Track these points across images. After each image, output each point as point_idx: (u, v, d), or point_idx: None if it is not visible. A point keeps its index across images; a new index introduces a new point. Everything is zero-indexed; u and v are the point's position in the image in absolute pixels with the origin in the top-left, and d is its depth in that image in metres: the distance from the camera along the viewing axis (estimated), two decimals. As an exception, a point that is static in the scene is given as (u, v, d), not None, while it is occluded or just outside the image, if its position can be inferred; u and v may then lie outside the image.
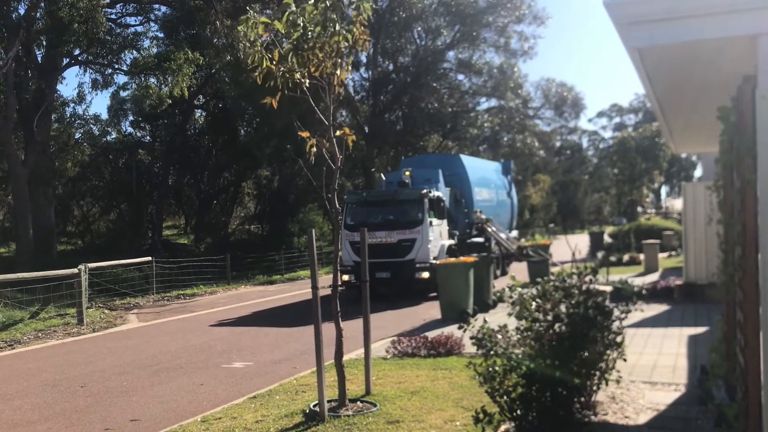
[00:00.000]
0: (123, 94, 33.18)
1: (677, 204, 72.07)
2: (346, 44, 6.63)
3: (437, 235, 19.07)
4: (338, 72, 6.76)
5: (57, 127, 30.01)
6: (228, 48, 24.96)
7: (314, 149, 6.78)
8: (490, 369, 5.77)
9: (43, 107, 23.54)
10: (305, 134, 6.73)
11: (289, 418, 6.86)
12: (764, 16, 4.05)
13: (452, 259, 15.53)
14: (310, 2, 6.48)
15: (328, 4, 6.47)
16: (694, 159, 68.66)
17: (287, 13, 6.42)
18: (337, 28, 6.48)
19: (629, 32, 4.41)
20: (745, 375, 4.46)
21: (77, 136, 32.91)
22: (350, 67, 6.99)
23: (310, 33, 6.43)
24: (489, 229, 22.14)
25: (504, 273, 24.17)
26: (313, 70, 6.61)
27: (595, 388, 6.17)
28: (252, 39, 6.53)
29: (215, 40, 26.67)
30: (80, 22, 21.63)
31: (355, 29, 6.64)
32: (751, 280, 4.27)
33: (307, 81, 6.69)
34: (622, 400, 6.99)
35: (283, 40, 6.74)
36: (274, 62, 6.57)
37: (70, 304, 16.63)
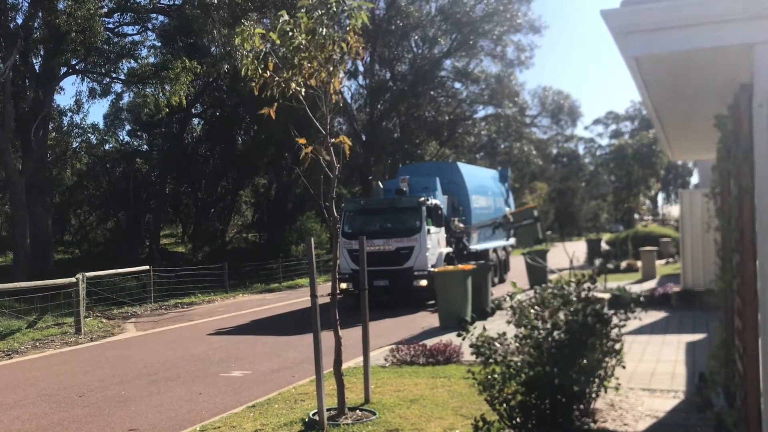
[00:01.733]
0: (122, 102, 33.28)
1: (674, 211, 72.17)
2: (340, 52, 6.65)
3: (435, 243, 19.07)
4: (333, 80, 6.77)
5: (54, 136, 29.99)
6: (225, 57, 25.00)
7: (309, 156, 6.79)
8: (489, 377, 5.78)
9: (41, 116, 23.53)
10: (302, 141, 6.74)
11: (288, 427, 6.85)
12: (760, 25, 4.08)
13: (450, 267, 15.54)
14: (302, 11, 6.50)
15: (321, 13, 6.48)
16: (691, 166, 68.80)
17: (281, 22, 6.45)
18: (326, 33, 6.48)
19: (626, 41, 4.43)
20: (744, 382, 4.47)
21: (75, 145, 32.88)
22: (341, 74, 6.99)
23: (303, 42, 6.45)
24: (464, 242, 21.73)
25: (502, 281, 24.18)
26: (307, 79, 6.63)
27: (594, 395, 6.18)
28: (248, 50, 6.55)
29: (213, 48, 26.73)
30: (78, 31, 21.66)
31: (349, 37, 6.66)
32: (749, 287, 4.28)
33: (303, 90, 6.71)
34: (621, 407, 6.99)
35: (280, 49, 6.76)
36: (269, 72, 6.59)
37: (68, 313, 16.59)
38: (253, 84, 6.67)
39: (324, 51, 6.52)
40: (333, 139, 6.93)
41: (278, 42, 6.48)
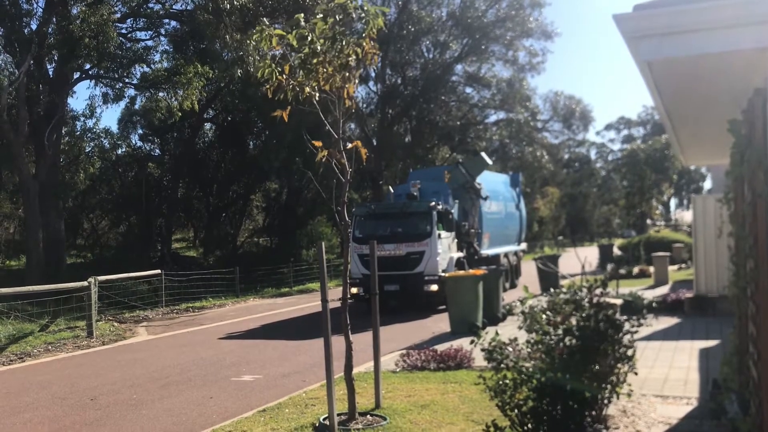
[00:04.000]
0: (135, 107, 33.47)
1: (687, 216, 71.75)
2: (355, 58, 6.65)
3: (446, 248, 19.03)
4: (347, 86, 6.78)
5: (68, 141, 30.18)
6: (237, 62, 25.12)
7: (324, 160, 6.79)
8: (501, 382, 5.75)
9: (54, 121, 23.69)
10: (318, 144, 6.74)
11: (299, 432, 6.85)
12: (774, 29, 4.04)
13: (461, 272, 15.50)
14: (319, 16, 6.51)
15: (338, 19, 6.49)
16: (704, 171, 68.44)
17: (296, 27, 6.45)
18: (345, 43, 6.50)
19: (638, 45, 4.41)
20: (758, 389, 4.43)
21: (87, 149, 33.09)
22: (357, 81, 6.99)
23: (319, 47, 6.46)
24: (475, 247, 21.57)
25: (513, 286, 24.10)
26: (322, 83, 6.64)
27: (606, 401, 6.14)
28: (264, 51, 6.56)
29: (225, 54, 26.84)
30: (91, 36, 21.80)
31: (364, 43, 6.66)
32: (763, 292, 4.25)
33: (317, 94, 6.72)
34: (634, 413, 6.95)
35: (292, 54, 6.78)
36: (284, 76, 6.60)
37: (80, 317, 16.67)
38: (267, 87, 6.68)
39: (340, 56, 6.53)
40: (349, 144, 6.93)
41: (296, 45, 6.48)
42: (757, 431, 4.59)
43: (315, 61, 6.51)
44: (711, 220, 14.67)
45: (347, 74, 6.69)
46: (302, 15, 6.47)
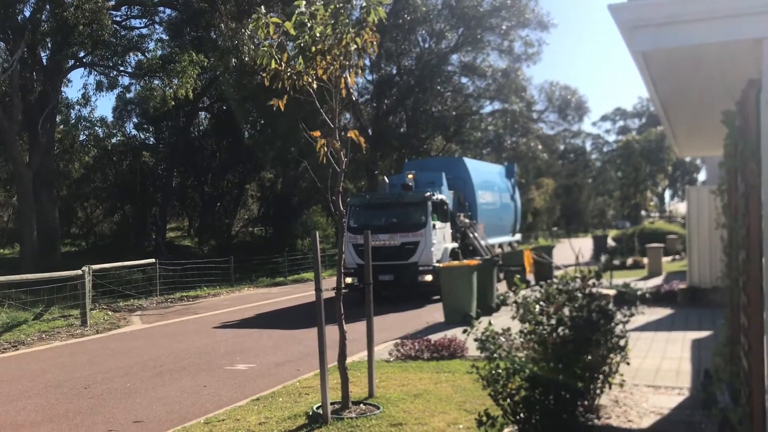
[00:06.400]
0: (129, 95, 33.31)
1: (681, 208, 71.92)
2: (356, 47, 6.59)
3: (440, 238, 19.05)
4: (347, 75, 6.72)
5: (62, 129, 30.07)
6: (233, 50, 25.03)
7: (324, 149, 6.75)
8: (494, 372, 5.76)
9: (48, 109, 23.59)
10: (317, 134, 6.70)
11: (292, 421, 6.86)
12: (768, 20, 4.05)
13: (455, 262, 15.52)
14: (319, 3, 6.45)
15: (338, 6, 6.43)
16: (699, 163, 68.56)
17: (296, 13, 6.38)
18: (343, 29, 6.44)
19: (634, 36, 4.40)
20: (749, 379, 4.46)
21: (82, 137, 32.97)
22: (360, 71, 6.94)
23: (318, 35, 6.40)
24: (471, 236, 21.62)
25: (507, 276, 24.13)
26: (320, 72, 6.59)
27: (598, 391, 6.17)
28: (261, 39, 6.50)
29: (220, 42, 26.76)
30: (85, 24, 21.68)
31: (364, 33, 6.60)
32: (755, 284, 4.27)
33: (315, 83, 6.67)
34: (626, 403, 6.98)
35: (288, 43, 6.73)
36: (282, 63, 6.55)
37: (74, 305, 16.65)
38: (264, 75, 6.63)
39: (341, 45, 6.47)
40: (348, 134, 6.89)
41: (293, 33, 6.40)
42: (747, 421, 4.62)
43: (314, 49, 6.45)
44: (705, 212, 14.71)
45: (347, 63, 6.64)
46: (302, 2, 6.39)
